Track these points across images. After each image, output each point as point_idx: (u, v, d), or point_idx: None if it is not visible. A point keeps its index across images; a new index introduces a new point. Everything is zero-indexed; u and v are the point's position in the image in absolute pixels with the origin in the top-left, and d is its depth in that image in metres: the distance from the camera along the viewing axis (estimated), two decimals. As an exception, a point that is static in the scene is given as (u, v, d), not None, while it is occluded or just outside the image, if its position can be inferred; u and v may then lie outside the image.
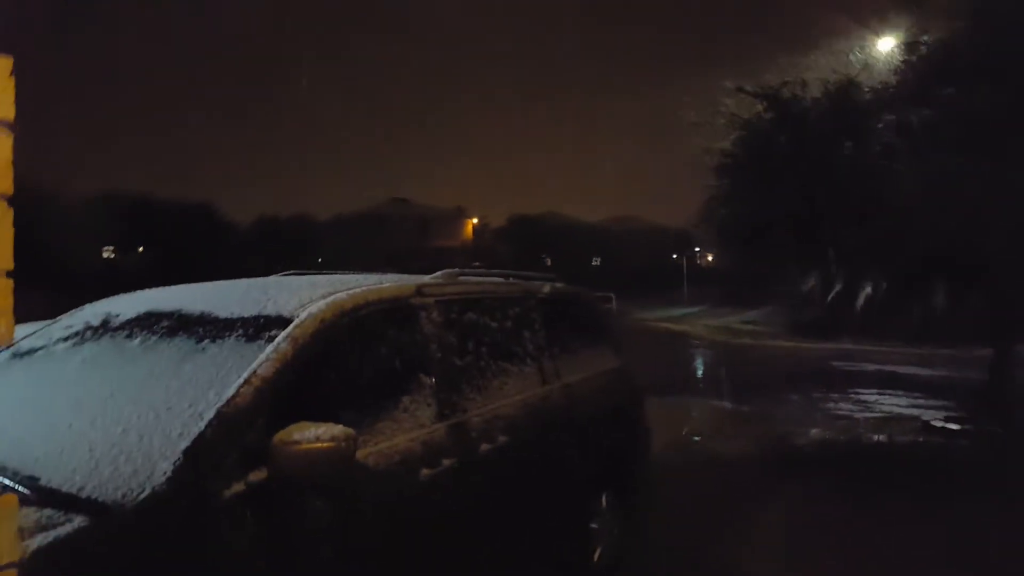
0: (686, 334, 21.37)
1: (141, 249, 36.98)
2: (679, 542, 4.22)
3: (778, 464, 6.36)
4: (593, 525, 3.48)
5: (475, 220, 58.10)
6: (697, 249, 53.57)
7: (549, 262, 47.44)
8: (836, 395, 10.03)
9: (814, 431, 7.68)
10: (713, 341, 19.49)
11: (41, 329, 2.56)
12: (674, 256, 53.33)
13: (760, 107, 8.51)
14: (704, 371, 14.47)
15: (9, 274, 1.05)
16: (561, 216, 56.76)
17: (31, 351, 2.41)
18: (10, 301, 1.00)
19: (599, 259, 54.26)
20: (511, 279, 3.65)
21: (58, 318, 2.63)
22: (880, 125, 6.86)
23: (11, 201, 1.04)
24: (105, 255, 35.88)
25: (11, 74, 1.02)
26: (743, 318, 25.19)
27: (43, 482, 1.66)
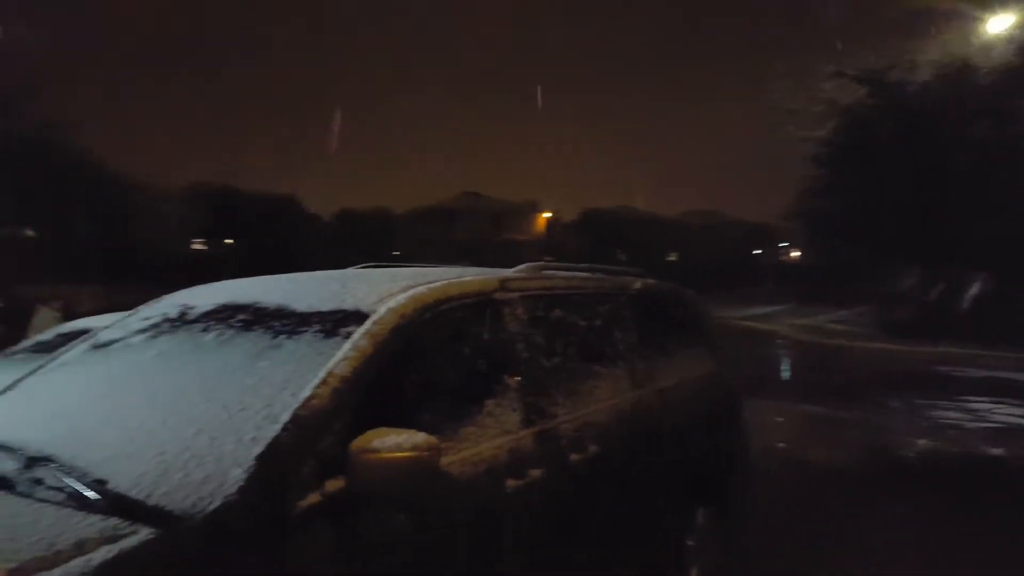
0: (772, 333, 20.37)
1: (229, 241, 38.54)
2: (772, 561, 3.89)
3: (880, 477, 5.87)
4: (689, 542, 3.21)
5: (548, 214, 57.71)
6: (783, 244, 51.46)
7: (623, 257, 46.63)
8: (942, 402, 9.27)
9: (920, 441, 7.09)
10: (802, 341, 18.50)
11: (120, 320, 2.51)
12: (757, 252, 51.47)
13: (863, 92, 7.93)
14: (794, 373, 13.77)
15: None
16: (635, 210, 55.58)
17: (109, 343, 2.36)
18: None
19: (675, 255, 52.95)
20: (598, 274, 3.41)
21: (136, 309, 2.58)
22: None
23: None
24: (195, 246, 37.56)
25: None
26: (833, 317, 23.84)
27: (111, 486, 1.56)
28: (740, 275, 42.06)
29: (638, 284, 3.48)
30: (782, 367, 14.51)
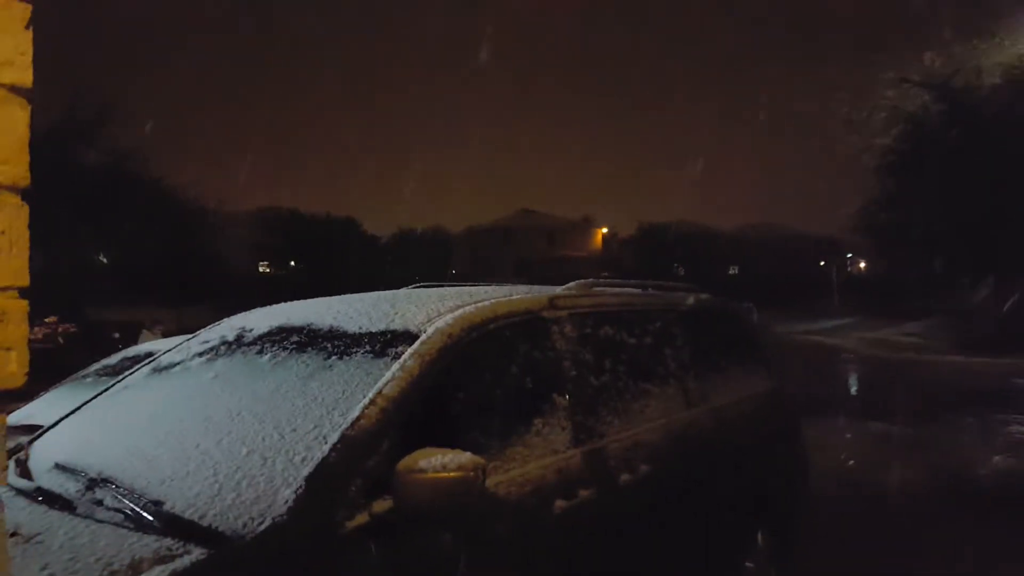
0: (839, 348, 19.63)
1: (293, 263, 39.68)
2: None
3: (952, 499, 5.56)
4: (748, 564, 3.10)
5: (604, 229, 57.34)
6: (849, 256, 49.78)
7: (681, 272, 45.93)
8: (1020, 418, 8.76)
9: (996, 459, 6.70)
10: (871, 356, 17.76)
11: (181, 343, 2.60)
12: (821, 264, 49.91)
13: (927, 98, 7.64)
14: (862, 389, 13.23)
15: (23, 292, 0.72)
16: (694, 223, 54.65)
17: (170, 366, 2.44)
18: (23, 329, 0.71)
19: (736, 268, 51.83)
20: (650, 290, 3.36)
21: (197, 332, 2.67)
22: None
23: (27, 195, 0.73)
24: (261, 269, 38.81)
25: (28, 26, 0.75)
26: (903, 331, 22.82)
27: (167, 507, 1.60)
28: (805, 288, 40.80)
29: (691, 300, 3.41)
30: (850, 383, 13.97)
